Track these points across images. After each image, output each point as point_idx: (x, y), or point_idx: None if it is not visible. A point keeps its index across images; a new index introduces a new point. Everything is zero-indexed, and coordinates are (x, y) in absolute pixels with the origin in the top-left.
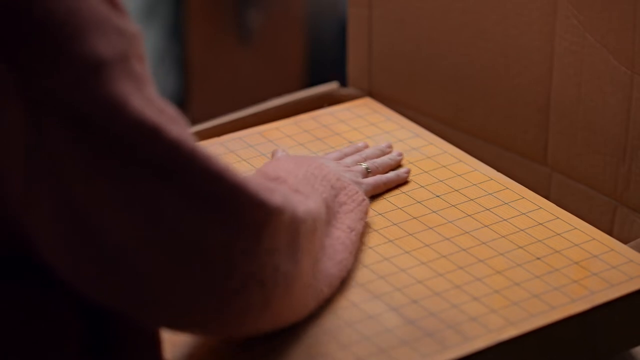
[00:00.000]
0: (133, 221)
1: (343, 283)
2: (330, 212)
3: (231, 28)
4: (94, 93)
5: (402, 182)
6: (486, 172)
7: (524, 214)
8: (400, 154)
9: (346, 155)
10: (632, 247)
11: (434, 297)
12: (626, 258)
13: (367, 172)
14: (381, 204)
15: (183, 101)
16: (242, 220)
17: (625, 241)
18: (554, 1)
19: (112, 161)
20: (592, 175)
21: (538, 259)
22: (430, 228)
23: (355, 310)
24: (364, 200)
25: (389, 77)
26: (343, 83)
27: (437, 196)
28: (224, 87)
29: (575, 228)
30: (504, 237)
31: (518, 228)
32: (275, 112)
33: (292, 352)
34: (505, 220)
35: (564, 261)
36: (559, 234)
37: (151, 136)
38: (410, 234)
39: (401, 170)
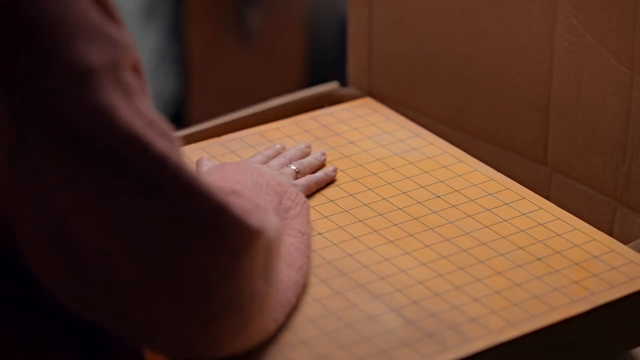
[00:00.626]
0: (114, 235)
1: (344, 284)
2: (279, 218)
3: (231, 28)
4: (81, 101)
5: (332, 181)
6: (486, 172)
7: (525, 214)
8: (324, 154)
9: (269, 158)
10: (633, 248)
11: (434, 298)
12: (626, 259)
13: (296, 174)
14: (381, 205)
15: (183, 101)
16: (224, 242)
17: (625, 241)
18: (554, 1)
19: (96, 172)
20: (592, 175)
21: (538, 259)
22: (431, 229)
23: (355, 310)
24: (305, 202)
25: (389, 77)
26: (343, 83)
27: (438, 197)
28: (224, 87)
29: (576, 229)
30: (504, 237)
31: (518, 229)
32: (275, 112)
33: (292, 353)
34: (505, 220)
35: (564, 262)
36: (559, 235)
37: (137, 149)
38: (410, 235)
39: (329, 169)
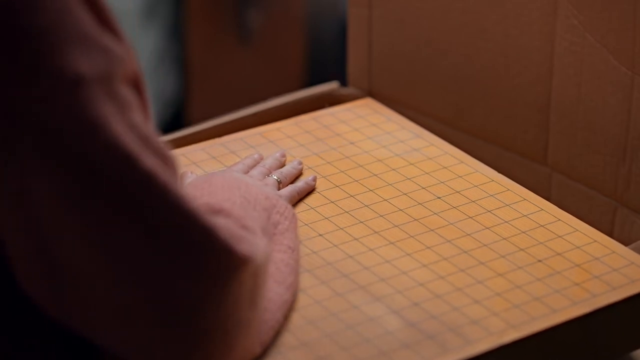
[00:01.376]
0: (96, 251)
1: (344, 285)
2: (267, 237)
3: (231, 28)
4: (68, 110)
5: (312, 190)
6: (487, 173)
7: (525, 215)
8: (301, 162)
9: (249, 167)
10: (634, 249)
11: (435, 299)
12: (627, 260)
13: (279, 184)
14: (382, 206)
15: (183, 101)
16: (210, 268)
17: (625, 242)
18: (554, 1)
19: (79, 183)
20: (592, 176)
21: (539, 261)
22: (432, 230)
23: (356, 312)
24: (294, 215)
25: (389, 77)
26: (343, 83)
27: (438, 198)
28: (224, 87)
29: (577, 230)
30: (505, 239)
31: (519, 230)
32: (275, 112)
33: (293, 354)
34: (506, 222)
35: (565, 264)
36: (560, 236)
37: (124, 164)
38: (411, 236)
39: (309, 178)
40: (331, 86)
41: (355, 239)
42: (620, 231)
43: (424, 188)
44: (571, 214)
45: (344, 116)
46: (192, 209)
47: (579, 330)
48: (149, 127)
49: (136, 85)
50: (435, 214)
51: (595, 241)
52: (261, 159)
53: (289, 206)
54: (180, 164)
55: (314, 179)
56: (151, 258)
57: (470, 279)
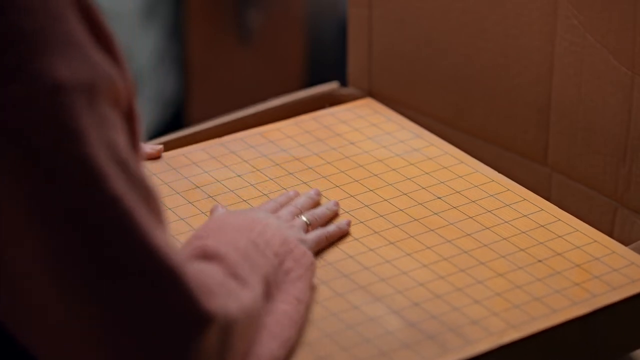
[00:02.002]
0: (47, 267)
1: (345, 285)
2: (273, 286)
3: (231, 28)
4: (43, 114)
5: (344, 235)
6: (487, 173)
7: (525, 216)
8: (337, 204)
9: (282, 205)
10: (634, 250)
11: (435, 299)
12: (628, 260)
13: (307, 226)
14: (382, 206)
15: (183, 101)
16: (166, 315)
17: (625, 242)
18: (554, 1)
19: (40, 195)
20: (593, 176)
21: (539, 261)
22: (432, 230)
23: (356, 312)
24: (311, 264)
25: (389, 77)
26: (343, 83)
27: (439, 198)
28: (224, 87)
29: (577, 230)
30: (505, 239)
31: (519, 230)
32: (275, 112)
33: (293, 354)
34: (506, 222)
35: (565, 264)
36: (560, 237)
37: (88, 181)
38: (411, 236)
39: (342, 222)
40: (331, 86)
41: (356, 239)
42: (620, 231)
43: (424, 188)
44: (571, 214)
45: (344, 116)
46: (159, 246)
47: (578, 330)
48: (133, 155)
49: (129, 116)
50: (435, 214)
51: (595, 241)
52: (296, 196)
53: (308, 253)
54: (163, 205)
55: (348, 224)
56: (102, 289)
57: (470, 279)
